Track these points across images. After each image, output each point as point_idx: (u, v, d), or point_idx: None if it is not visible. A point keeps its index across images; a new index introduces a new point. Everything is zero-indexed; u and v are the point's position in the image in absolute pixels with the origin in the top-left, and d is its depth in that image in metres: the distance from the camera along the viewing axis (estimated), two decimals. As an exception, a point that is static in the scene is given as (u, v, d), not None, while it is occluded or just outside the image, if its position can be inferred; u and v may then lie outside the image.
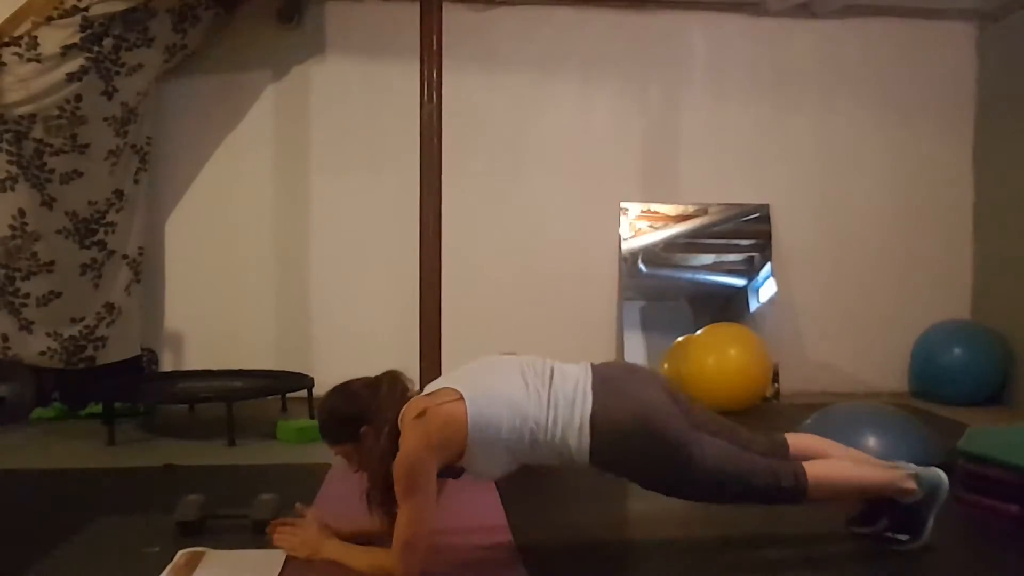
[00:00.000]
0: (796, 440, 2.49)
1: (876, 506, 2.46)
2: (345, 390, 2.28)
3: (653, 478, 2.29)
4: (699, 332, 4.71)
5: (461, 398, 2.15)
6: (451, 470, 2.21)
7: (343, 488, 2.70)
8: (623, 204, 5.19)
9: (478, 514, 2.73)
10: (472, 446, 2.15)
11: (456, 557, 2.36)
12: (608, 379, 2.28)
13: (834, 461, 2.42)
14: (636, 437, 2.19)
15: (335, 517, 2.41)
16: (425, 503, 2.08)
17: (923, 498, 2.37)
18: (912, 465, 2.42)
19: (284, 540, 2.33)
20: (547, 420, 2.17)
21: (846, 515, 2.54)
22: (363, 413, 2.20)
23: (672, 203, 5.23)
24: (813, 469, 2.32)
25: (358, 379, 2.30)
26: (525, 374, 2.26)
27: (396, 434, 2.16)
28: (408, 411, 2.17)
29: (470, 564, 2.35)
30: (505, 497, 2.89)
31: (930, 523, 2.38)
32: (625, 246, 5.17)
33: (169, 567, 2.25)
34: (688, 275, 5.24)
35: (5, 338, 4.18)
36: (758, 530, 2.62)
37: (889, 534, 2.43)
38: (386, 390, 2.23)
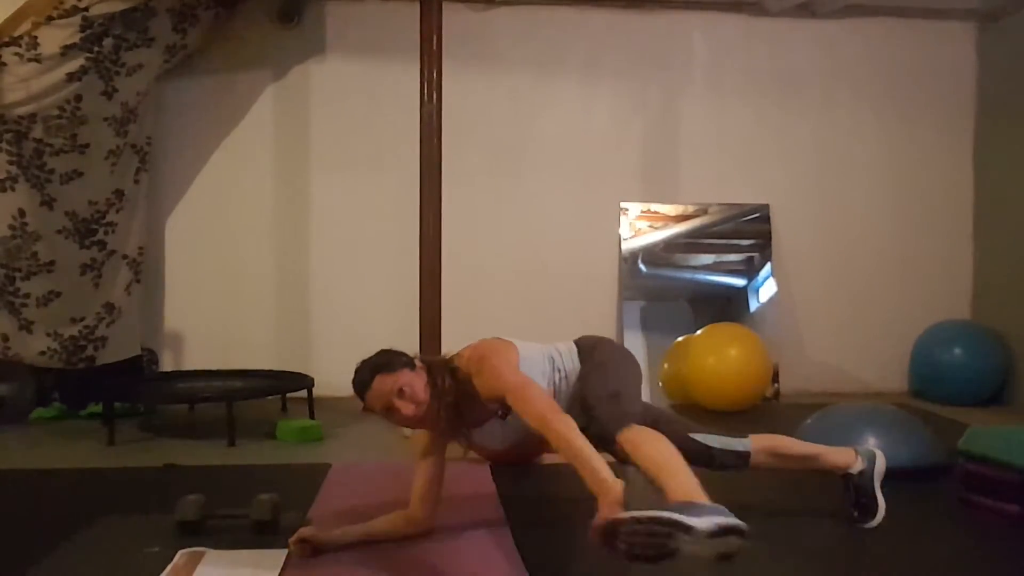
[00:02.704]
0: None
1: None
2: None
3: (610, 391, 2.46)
4: (699, 332, 4.71)
5: (496, 337, 2.53)
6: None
7: (343, 488, 2.70)
8: (623, 204, 5.19)
9: (474, 503, 2.74)
10: (522, 358, 2.45)
11: (453, 551, 2.37)
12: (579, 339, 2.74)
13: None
14: (609, 356, 2.61)
15: (337, 511, 2.41)
16: (521, 376, 2.32)
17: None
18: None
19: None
20: (555, 349, 2.62)
21: (850, 515, 2.61)
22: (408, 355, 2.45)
23: (672, 203, 5.23)
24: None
25: None
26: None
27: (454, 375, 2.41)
28: (459, 355, 2.47)
29: (467, 557, 2.35)
30: (502, 490, 2.89)
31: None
32: (625, 246, 5.17)
33: (169, 567, 2.25)
34: (688, 275, 5.24)
35: (5, 338, 4.18)
36: (759, 530, 2.62)
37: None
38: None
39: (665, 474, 2.07)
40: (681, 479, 2.04)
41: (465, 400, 2.38)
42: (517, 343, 2.51)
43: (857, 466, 2.60)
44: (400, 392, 2.30)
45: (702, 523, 1.78)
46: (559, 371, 2.56)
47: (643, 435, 2.25)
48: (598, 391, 2.40)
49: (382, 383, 2.31)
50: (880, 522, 2.54)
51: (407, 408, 2.31)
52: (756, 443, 2.60)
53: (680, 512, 1.80)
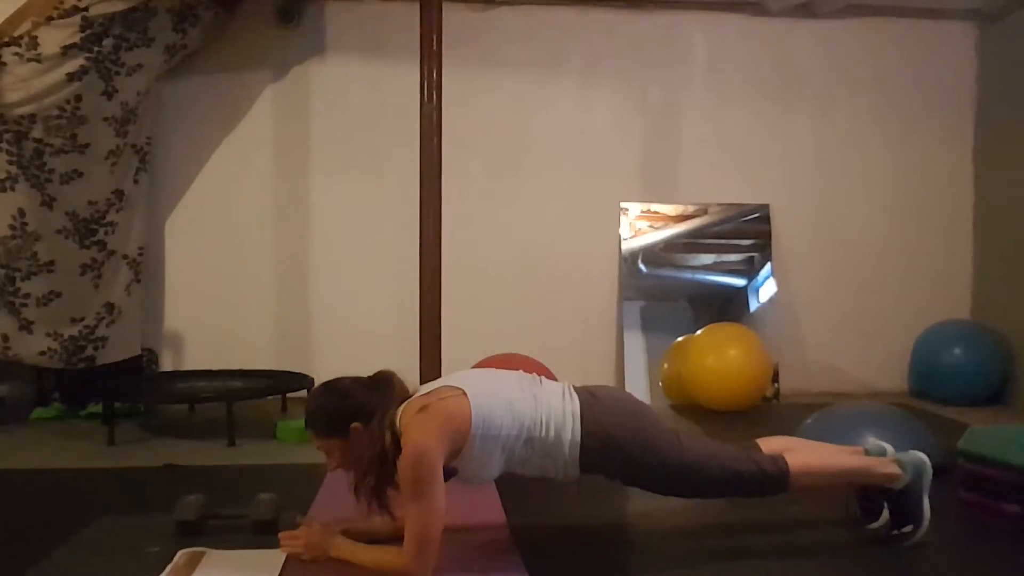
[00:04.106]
0: (767, 443, 2.53)
1: (872, 499, 2.51)
2: (336, 386, 2.26)
3: (643, 469, 2.32)
4: (699, 332, 4.71)
5: (463, 394, 2.19)
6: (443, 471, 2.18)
7: (343, 488, 2.70)
8: (623, 204, 5.19)
9: (475, 508, 2.74)
10: (473, 441, 2.16)
11: (453, 550, 2.36)
12: (586, 386, 2.40)
13: (810, 449, 2.54)
14: (624, 424, 2.30)
15: (337, 518, 2.41)
16: (436, 498, 2.07)
17: (911, 481, 2.42)
18: (890, 448, 2.50)
19: (290, 545, 2.30)
20: (541, 418, 2.24)
21: (853, 515, 2.58)
22: (356, 410, 2.18)
23: (672, 203, 5.23)
24: (792, 456, 2.41)
25: (348, 377, 2.29)
26: (518, 379, 2.35)
27: (394, 432, 2.16)
28: (409, 408, 2.18)
29: (467, 556, 2.35)
30: (503, 492, 2.89)
31: (926, 506, 2.42)
32: (625, 246, 5.17)
33: (169, 567, 2.25)
34: (688, 275, 5.24)
35: (5, 338, 4.18)
36: (761, 531, 2.62)
37: (895, 531, 2.45)
38: (381, 388, 2.24)
39: (861, 474, 2.44)
40: (872, 463, 2.43)
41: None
42: (474, 399, 2.17)
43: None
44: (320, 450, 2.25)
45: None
46: (535, 427, 2.23)
47: (801, 466, 2.38)
48: (698, 495, 2.46)
49: (310, 434, 2.26)
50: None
51: (330, 465, 2.26)
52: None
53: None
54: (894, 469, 2.43)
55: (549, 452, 2.25)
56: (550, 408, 2.25)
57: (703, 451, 2.37)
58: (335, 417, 2.18)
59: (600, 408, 2.30)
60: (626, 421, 2.32)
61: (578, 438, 2.24)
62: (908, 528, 2.43)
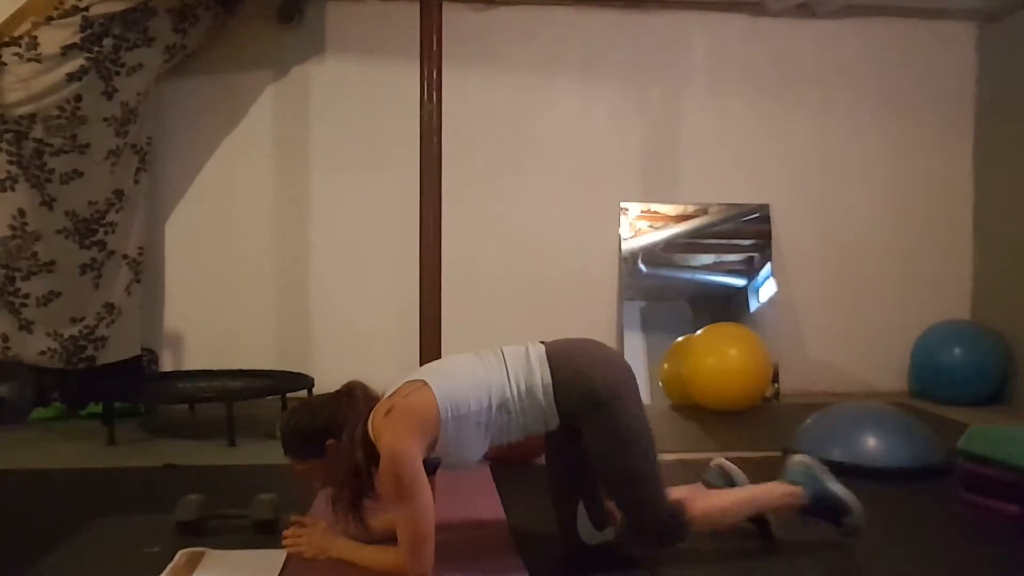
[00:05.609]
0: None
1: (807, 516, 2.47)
2: (306, 407, 2.28)
3: (606, 421, 2.20)
4: (699, 332, 4.71)
5: (425, 384, 2.16)
6: (426, 464, 2.15)
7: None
8: (623, 204, 5.19)
9: (476, 507, 2.74)
10: (445, 426, 2.12)
11: (453, 550, 2.36)
12: (551, 341, 2.37)
13: (708, 494, 2.46)
14: (596, 363, 2.27)
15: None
16: (422, 497, 2.05)
17: (810, 486, 2.42)
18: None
19: (292, 542, 2.34)
20: (508, 378, 2.21)
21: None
22: (328, 426, 2.17)
23: (672, 203, 5.23)
24: (692, 503, 2.31)
25: (318, 395, 2.31)
26: (477, 353, 2.32)
27: (367, 441, 2.14)
28: (376, 414, 2.15)
29: (467, 556, 2.35)
30: (503, 490, 2.89)
31: (841, 491, 2.41)
32: (625, 246, 5.17)
33: (169, 567, 2.25)
34: (688, 275, 5.24)
35: (5, 338, 4.18)
36: (759, 531, 2.62)
37: (840, 529, 2.43)
38: (347, 401, 2.21)
39: (759, 506, 2.43)
40: (775, 495, 2.43)
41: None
42: (436, 385, 2.14)
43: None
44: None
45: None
46: (505, 389, 2.20)
47: (700, 514, 2.27)
48: (616, 496, 2.30)
49: (290, 460, 2.27)
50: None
51: (317, 486, 2.29)
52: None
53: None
54: (789, 488, 2.42)
55: (525, 408, 2.21)
56: (515, 366, 2.24)
57: (654, 461, 2.25)
58: (309, 437, 2.18)
59: (569, 349, 2.31)
60: (598, 361, 2.28)
61: (548, 379, 2.21)
62: (847, 519, 2.40)
